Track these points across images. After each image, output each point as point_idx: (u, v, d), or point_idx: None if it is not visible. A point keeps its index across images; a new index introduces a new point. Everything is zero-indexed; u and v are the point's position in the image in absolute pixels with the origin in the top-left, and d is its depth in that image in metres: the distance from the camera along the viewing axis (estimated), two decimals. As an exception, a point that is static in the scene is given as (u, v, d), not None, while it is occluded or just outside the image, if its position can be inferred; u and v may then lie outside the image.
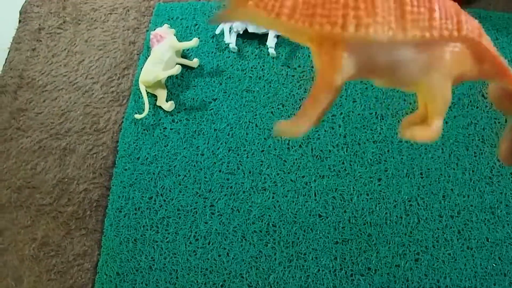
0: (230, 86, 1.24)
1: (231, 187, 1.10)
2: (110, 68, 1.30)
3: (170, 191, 1.10)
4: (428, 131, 0.34)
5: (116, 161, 1.15)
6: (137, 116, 1.19)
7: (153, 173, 1.13)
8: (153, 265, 1.02)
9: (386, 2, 0.30)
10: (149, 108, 1.20)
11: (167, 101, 1.21)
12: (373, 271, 0.99)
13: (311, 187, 1.09)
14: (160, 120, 1.20)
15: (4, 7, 1.44)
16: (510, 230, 1.02)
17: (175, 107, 1.21)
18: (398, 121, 1.13)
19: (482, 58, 0.33)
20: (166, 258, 1.03)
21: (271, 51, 1.26)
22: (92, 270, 1.03)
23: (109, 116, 1.22)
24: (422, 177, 1.08)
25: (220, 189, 1.10)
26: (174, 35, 1.27)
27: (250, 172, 1.11)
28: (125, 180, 1.12)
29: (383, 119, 1.16)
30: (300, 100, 1.20)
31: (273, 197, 1.08)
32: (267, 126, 1.17)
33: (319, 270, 1.00)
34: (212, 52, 1.30)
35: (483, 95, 1.18)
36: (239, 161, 1.13)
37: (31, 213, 1.10)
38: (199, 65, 1.28)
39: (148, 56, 1.24)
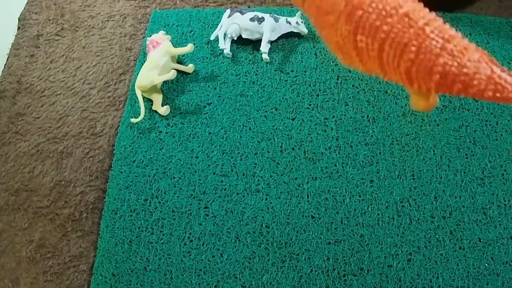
0: (224, 91, 1.26)
1: (225, 189, 1.11)
2: (107, 74, 1.32)
3: (165, 193, 1.12)
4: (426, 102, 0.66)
5: (112, 164, 1.16)
6: (133, 120, 1.21)
7: (149, 176, 1.14)
8: (148, 266, 1.03)
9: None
10: (145, 112, 1.22)
11: (162, 105, 1.23)
12: (366, 272, 1.00)
13: (303, 188, 1.10)
14: (155, 124, 1.22)
15: (3, 14, 1.47)
16: (502, 230, 1.02)
17: (170, 111, 1.23)
18: (390, 124, 1.15)
19: None
20: (161, 259, 1.04)
21: (265, 56, 1.28)
22: (88, 272, 1.04)
23: (105, 120, 1.24)
24: (414, 179, 1.10)
25: (214, 191, 1.11)
26: (170, 41, 1.30)
27: (243, 174, 1.13)
28: (121, 183, 1.13)
29: (374, 122, 1.18)
30: (293, 103, 1.22)
31: (266, 199, 1.09)
32: (260, 129, 1.19)
33: (312, 270, 1.01)
34: (207, 57, 1.32)
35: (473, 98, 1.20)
36: (233, 163, 1.14)
37: (28, 216, 1.12)
38: (194, 70, 1.30)
39: (145, 62, 1.26)
